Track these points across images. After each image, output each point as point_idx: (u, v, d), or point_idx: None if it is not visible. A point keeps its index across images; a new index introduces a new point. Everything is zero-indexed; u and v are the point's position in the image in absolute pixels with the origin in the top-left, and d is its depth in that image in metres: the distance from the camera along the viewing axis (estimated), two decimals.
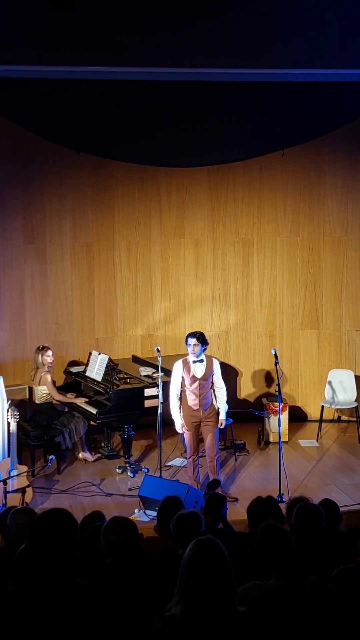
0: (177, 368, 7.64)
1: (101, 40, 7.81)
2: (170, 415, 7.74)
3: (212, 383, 7.66)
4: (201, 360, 7.57)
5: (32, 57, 7.85)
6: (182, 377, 7.61)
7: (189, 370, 7.57)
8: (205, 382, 7.58)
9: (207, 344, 7.68)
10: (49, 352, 8.47)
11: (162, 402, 7.91)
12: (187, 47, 7.95)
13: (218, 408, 7.69)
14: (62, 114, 8.59)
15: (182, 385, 7.64)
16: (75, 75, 8.25)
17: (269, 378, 10.02)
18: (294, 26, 7.95)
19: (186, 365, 7.59)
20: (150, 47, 7.92)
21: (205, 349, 7.61)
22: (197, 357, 7.53)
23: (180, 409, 7.65)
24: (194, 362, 7.56)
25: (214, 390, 7.68)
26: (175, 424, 7.71)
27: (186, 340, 7.59)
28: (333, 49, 8.09)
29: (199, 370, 7.56)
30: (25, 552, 3.54)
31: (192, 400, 7.58)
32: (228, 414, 7.86)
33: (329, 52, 8.10)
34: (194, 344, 7.49)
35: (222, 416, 7.70)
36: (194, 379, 7.56)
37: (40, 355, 8.42)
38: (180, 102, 8.65)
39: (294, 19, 7.90)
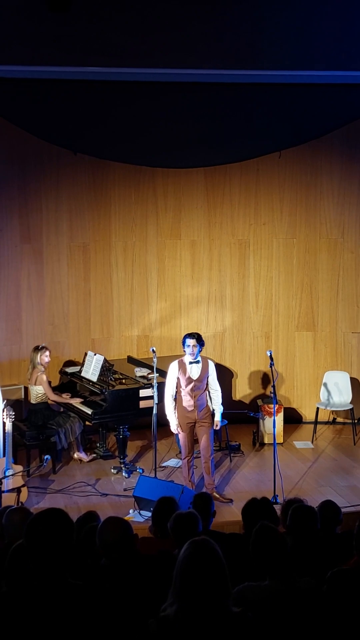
0: (173, 369, 7.64)
1: (98, 41, 7.82)
2: (165, 415, 7.74)
3: (207, 384, 7.67)
4: (197, 362, 7.58)
5: (29, 57, 7.86)
6: (178, 378, 7.62)
7: (184, 372, 7.58)
8: (201, 384, 7.58)
9: (204, 344, 7.70)
10: (47, 352, 8.49)
11: (157, 403, 7.92)
12: (184, 48, 7.96)
13: (213, 409, 7.70)
14: (58, 114, 8.59)
15: (177, 386, 7.65)
16: (72, 75, 8.24)
17: (264, 379, 10.03)
18: (291, 28, 7.96)
19: (182, 367, 7.60)
20: (147, 48, 7.93)
21: (201, 350, 7.62)
22: (195, 358, 7.54)
23: (175, 409, 7.66)
24: (190, 363, 7.56)
25: (209, 392, 7.69)
26: (170, 424, 7.72)
27: (183, 341, 7.59)
28: (330, 51, 8.11)
29: (194, 371, 7.57)
30: (18, 549, 3.54)
31: (187, 401, 7.59)
32: (223, 415, 7.86)
33: (326, 54, 8.12)
34: (193, 345, 7.49)
35: (217, 417, 7.70)
36: (189, 380, 7.56)
37: (38, 355, 8.43)
38: (178, 103, 8.65)
39: (292, 20, 7.92)
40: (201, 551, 2.73)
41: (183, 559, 2.72)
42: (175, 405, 7.66)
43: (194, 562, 2.69)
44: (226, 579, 2.71)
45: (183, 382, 7.58)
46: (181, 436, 7.71)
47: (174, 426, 7.69)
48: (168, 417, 7.70)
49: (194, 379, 7.56)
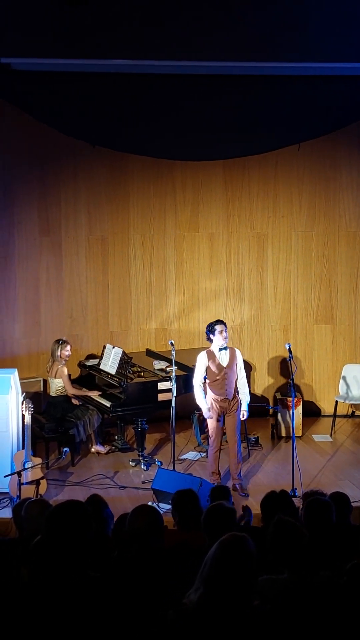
0: (202, 358, 7.73)
1: (116, 33, 7.81)
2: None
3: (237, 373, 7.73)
4: (225, 348, 7.68)
5: (48, 50, 7.87)
6: (208, 367, 7.70)
7: (214, 360, 7.65)
8: (231, 371, 7.66)
9: None
10: (68, 347, 8.53)
11: (175, 396, 7.93)
12: (203, 41, 7.94)
13: (240, 400, 7.74)
14: (76, 106, 8.60)
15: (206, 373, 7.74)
16: (89, 68, 8.26)
17: (282, 373, 10.01)
18: (314, 20, 7.93)
19: (211, 356, 7.70)
20: (166, 41, 7.91)
21: None
22: (225, 342, 7.65)
23: (205, 396, 7.72)
24: (220, 349, 7.67)
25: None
26: (203, 410, 7.79)
27: (212, 329, 7.66)
28: (351, 43, 8.06)
29: (224, 358, 7.66)
30: (40, 543, 3.56)
31: (217, 389, 7.67)
32: None
33: (347, 46, 8.07)
34: (224, 330, 7.63)
35: (244, 407, 7.75)
36: (220, 367, 7.66)
37: (59, 349, 8.47)
38: (195, 95, 8.64)
39: (315, 12, 7.89)
40: (238, 547, 2.74)
41: (219, 549, 2.73)
42: (205, 394, 7.72)
43: (228, 556, 2.71)
44: (254, 579, 2.73)
45: (214, 370, 7.67)
46: (212, 425, 7.77)
47: (206, 410, 7.75)
48: (199, 404, 7.79)
49: (224, 365, 7.64)
